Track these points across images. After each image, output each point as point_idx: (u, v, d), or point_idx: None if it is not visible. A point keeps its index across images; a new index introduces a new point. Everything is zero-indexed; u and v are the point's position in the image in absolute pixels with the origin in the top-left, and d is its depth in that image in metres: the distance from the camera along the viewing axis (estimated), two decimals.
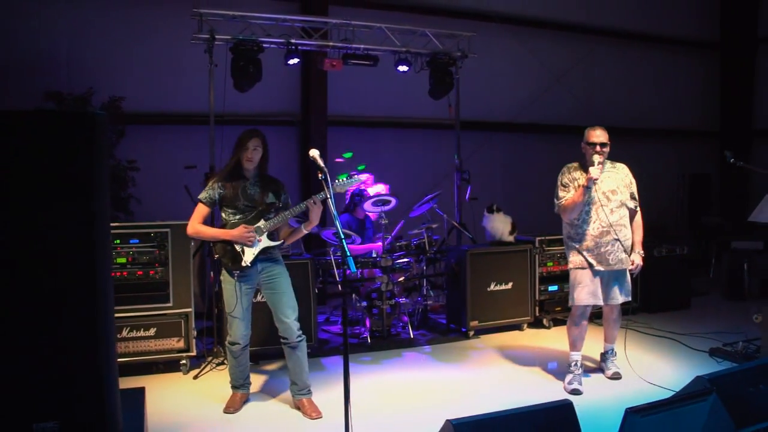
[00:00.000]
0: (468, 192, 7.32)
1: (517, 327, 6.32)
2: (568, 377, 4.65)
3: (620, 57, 10.13)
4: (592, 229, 4.57)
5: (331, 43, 6.67)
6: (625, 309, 6.55)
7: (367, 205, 6.05)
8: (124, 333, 4.85)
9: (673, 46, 10.51)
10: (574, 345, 4.71)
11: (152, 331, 4.94)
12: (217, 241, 4.07)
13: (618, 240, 4.54)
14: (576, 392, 4.47)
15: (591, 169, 4.45)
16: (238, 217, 4.06)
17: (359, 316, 6.19)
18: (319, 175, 3.56)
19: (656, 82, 10.45)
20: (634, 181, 4.76)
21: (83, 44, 6.90)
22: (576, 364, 4.67)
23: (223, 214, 4.13)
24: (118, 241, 4.86)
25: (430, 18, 8.26)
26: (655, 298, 6.92)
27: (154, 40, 7.09)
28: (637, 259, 4.64)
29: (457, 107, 7.41)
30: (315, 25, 6.68)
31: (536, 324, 6.40)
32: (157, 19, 7.12)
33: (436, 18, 8.35)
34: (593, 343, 5.16)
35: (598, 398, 4.41)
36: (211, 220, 4.63)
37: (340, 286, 6.00)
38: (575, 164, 4.76)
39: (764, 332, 4.85)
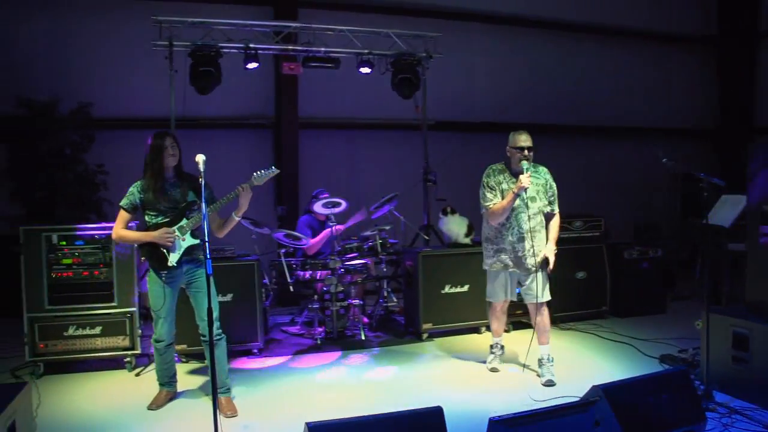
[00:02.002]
0: (435, 193, 7.47)
1: (476, 330, 6.44)
2: (489, 357, 5.25)
3: (610, 54, 10.15)
4: (511, 234, 4.81)
5: (290, 47, 6.93)
6: (595, 313, 6.76)
7: (318, 207, 6.26)
8: (71, 331, 5.18)
9: (667, 41, 10.48)
10: (496, 333, 5.27)
11: (98, 329, 5.25)
12: (142, 244, 4.29)
13: (533, 247, 4.77)
14: (494, 369, 5.15)
15: (522, 177, 4.62)
16: (160, 218, 4.26)
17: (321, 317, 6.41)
18: (200, 180, 3.77)
19: (648, 80, 10.43)
20: (554, 184, 4.93)
21: (55, 52, 7.34)
22: (496, 345, 5.26)
23: (146, 217, 4.32)
24: (64, 243, 5.19)
25: (407, 18, 8.48)
26: (626, 303, 6.96)
27: (121, 47, 7.47)
28: (549, 254, 4.79)
29: (424, 107, 7.55)
30: (277, 29, 6.94)
31: None
32: (125, 26, 7.47)
33: (416, 18, 8.57)
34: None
35: (503, 402, 4.45)
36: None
37: (291, 287, 6.24)
38: (500, 166, 4.95)
39: (702, 340, 4.85)
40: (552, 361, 4.90)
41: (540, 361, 4.92)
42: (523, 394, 4.52)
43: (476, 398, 4.58)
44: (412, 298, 6.39)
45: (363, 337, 6.19)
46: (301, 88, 8.39)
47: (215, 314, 4.31)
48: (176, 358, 4.99)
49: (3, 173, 6.74)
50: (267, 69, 8.23)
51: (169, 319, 4.39)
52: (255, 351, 5.78)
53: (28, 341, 5.12)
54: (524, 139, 4.79)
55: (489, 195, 4.84)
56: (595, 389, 3.37)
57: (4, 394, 3.08)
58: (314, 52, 6.97)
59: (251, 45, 6.68)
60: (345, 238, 6.65)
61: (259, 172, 4.30)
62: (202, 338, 4.43)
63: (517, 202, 4.72)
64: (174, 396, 4.61)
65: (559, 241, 6.54)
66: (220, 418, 4.20)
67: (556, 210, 4.94)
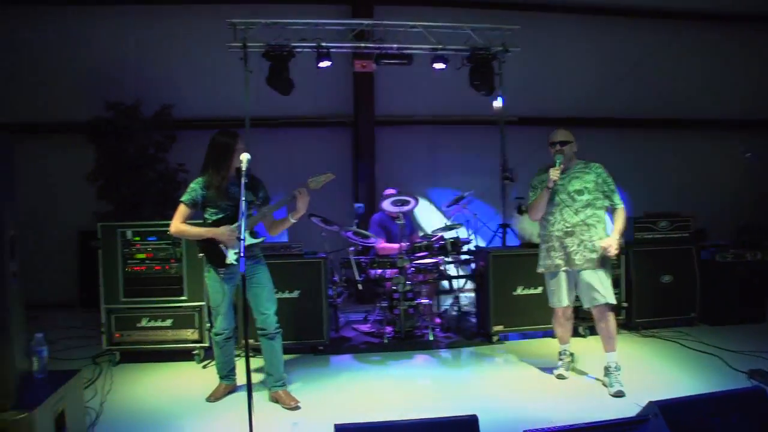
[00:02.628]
0: (513, 191, 7.26)
1: (550, 334, 6.18)
2: (558, 364, 5.03)
3: (705, 41, 9.44)
4: (557, 229, 4.73)
5: (363, 44, 6.93)
6: (682, 320, 6.31)
7: (386, 205, 6.23)
8: (144, 323, 5.44)
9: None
10: (561, 340, 5.05)
11: (168, 322, 5.47)
12: (201, 240, 4.37)
13: (583, 241, 4.62)
14: (561, 377, 4.92)
15: (551, 170, 4.62)
16: (220, 216, 4.33)
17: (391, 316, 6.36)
18: (243, 180, 3.78)
19: (752, 68, 9.60)
20: (609, 179, 4.74)
21: (139, 58, 7.78)
22: (564, 353, 5.04)
23: (206, 214, 4.40)
24: (137, 239, 5.45)
25: (484, 11, 8.30)
26: (718, 310, 6.43)
27: (200, 50, 7.80)
28: (610, 242, 4.54)
29: (502, 103, 7.36)
30: (350, 26, 6.98)
31: (573, 332, 6.22)
32: (202, 30, 7.79)
33: (493, 11, 8.37)
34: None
35: (558, 412, 4.23)
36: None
37: (360, 286, 6.24)
38: (545, 166, 4.83)
39: None
40: (619, 369, 4.58)
41: (606, 369, 4.63)
42: (584, 404, 4.28)
43: (532, 406, 4.37)
44: (483, 299, 6.22)
45: (431, 338, 6.08)
46: (380, 86, 8.42)
47: (274, 309, 4.47)
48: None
49: (92, 172, 7.18)
50: (346, 67, 8.29)
51: (228, 314, 4.47)
52: (320, 348, 5.82)
53: (105, 331, 5.42)
54: (556, 135, 4.75)
55: (530, 194, 4.90)
56: (652, 405, 3.08)
57: (56, 380, 3.23)
58: (386, 49, 6.95)
59: (323, 44, 6.76)
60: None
61: (315, 176, 4.30)
62: (259, 331, 4.48)
63: (561, 196, 4.71)
64: (233, 389, 4.70)
65: (642, 242, 6.35)
66: (278, 410, 4.33)
67: (618, 203, 4.73)
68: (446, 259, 6.45)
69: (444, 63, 7.00)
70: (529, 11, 8.64)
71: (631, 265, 6.32)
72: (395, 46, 6.94)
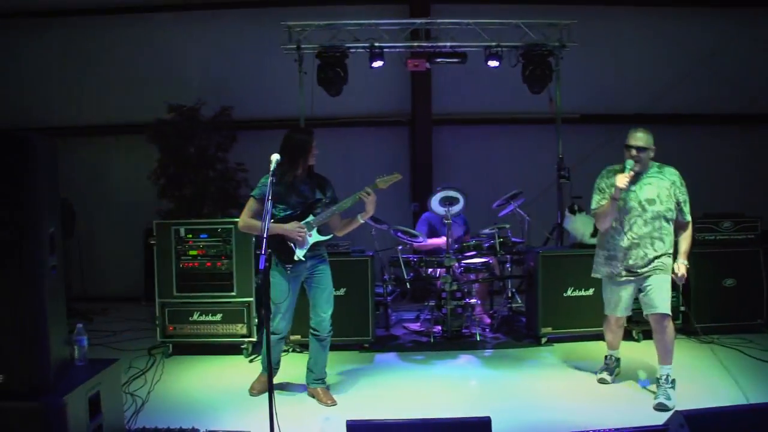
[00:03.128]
0: (570, 190, 7.11)
1: (602, 337, 6.02)
2: (601, 368, 4.95)
3: None
4: (623, 240, 4.47)
5: (416, 43, 6.97)
6: (747, 327, 6.01)
7: (434, 204, 6.24)
8: (195, 317, 5.69)
9: None
10: (610, 345, 4.99)
11: (219, 317, 5.70)
12: (269, 236, 4.48)
13: (647, 254, 4.42)
14: (603, 381, 4.82)
15: (618, 177, 4.33)
16: (289, 212, 4.42)
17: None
18: (270, 178, 3.83)
19: None
20: (683, 188, 4.48)
21: (199, 61, 8.16)
22: (610, 357, 4.97)
23: (274, 210, 4.39)
24: (190, 236, 5.70)
25: (544, 7, 8.16)
26: None
27: (257, 52, 8.08)
28: (682, 269, 4.43)
29: (558, 100, 7.24)
30: (403, 26, 7.02)
31: (625, 336, 6.03)
32: (259, 32, 8.03)
33: (552, 6, 8.23)
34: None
35: (591, 415, 4.14)
36: None
37: (407, 284, 6.29)
38: (617, 167, 4.56)
39: None
40: (672, 384, 4.36)
41: (658, 381, 4.42)
42: (621, 412, 4.19)
43: (564, 408, 4.33)
44: (532, 300, 6.15)
45: (478, 338, 6.07)
46: (438, 84, 8.43)
47: (330, 312, 4.53)
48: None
49: (154, 171, 7.57)
50: (403, 66, 8.36)
51: (287, 314, 4.53)
52: (366, 345, 5.90)
53: (159, 324, 5.71)
54: (636, 138, 4.41)
55: (597, 197, 4.60)
56: (677, 415, 2.97)
57: (94, 367, 3.46)
58: (440, 48, 6.96)
59: (376, 44, 6.83)
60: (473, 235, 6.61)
61: (383, 176, 4.42)
62: (311, 331, 4.57)
63: (632, 203, 4.42)
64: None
65: (703, 244, 6.08)
66: (314, 405, 4.45)
67: (688, 218, 4.51)
68: (499, 258, 6.40)
69: (498, 60, 6.92)
70: (592, 5, 8.41)
71: (690, 267, 6.06)
72: (448, 44, 6.94)
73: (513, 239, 6.41)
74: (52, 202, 3.26)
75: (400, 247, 6.41)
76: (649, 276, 4.42)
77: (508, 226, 6.32)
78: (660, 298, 4.38)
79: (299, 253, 4.37)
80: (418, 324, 6.74)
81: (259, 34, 7.80)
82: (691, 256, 5.90)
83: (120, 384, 3.73)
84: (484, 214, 7.15)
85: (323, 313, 4.52)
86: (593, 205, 4.62)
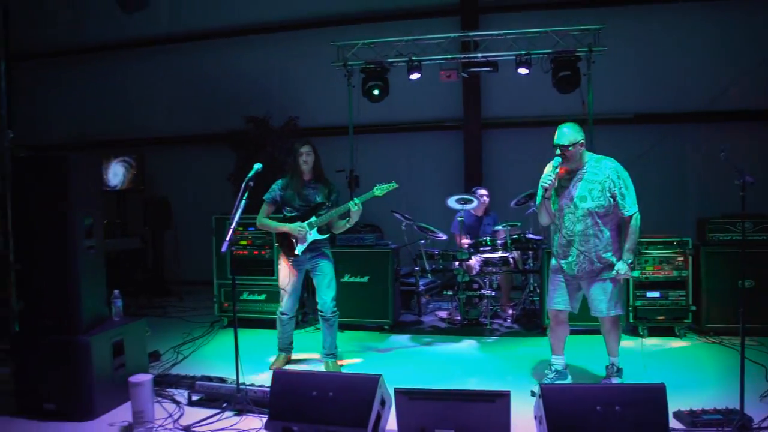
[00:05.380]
0: None
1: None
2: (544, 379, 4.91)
3: None
4: (560, 237, 4.65)
5: (449, 56, 7.86)
6: (763, 329, 6.10)
7: (451, 202, 7.13)
8: (245, 296, 7.06)
9: None
10: (553, 347, 4.93)
11: (263, 296, 7.01)
12: (278, 232, 5.50)
13: (582, 252, 4.52)
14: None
15: (543, 177, 4.51)
16: (294, 214, 5.39)
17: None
18: (249, 183, 4.66)
19: None
20: (620, 180, 4.47)
21: (267, 77, 9.83)
22: (551, 369, 4.91)
23: (284, 211, 5.44)
24: (241, 228, 7.04)
25: (595, 9, 8.65)
26: None
27: (316, 68, 9.31)
28: (622, 268, 4.46)
29: (591, 102, 7.67)
30: (438, 40, 7.90)
31: (632, 331, 6.53)
32: (317, 50, 9.17)
33: (591, 9, 8.72)
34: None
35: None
36: None
37: (429, 275, 7.25)
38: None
39: None
40: (617, 370, 4.73)
41: (607, 368, 4.79)
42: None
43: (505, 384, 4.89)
44: (542, 294, 6.81)
45: (488, 326, 6.88)
46: (489, 89, 9.20)
47: (331, 296, 5.42)
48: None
49: (232, 174, 9.09)
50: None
51: (293, 296, 5.53)
52: (385, 327, 6.93)
53: (217, 301, 7.14)
54: (558, 135, 4.51)
55: (538, 194, 4.68)
56: (538, 388, 3.69)
57: (123, 322, 4.88)
58: (471, 58, 7.80)
59: (413, 57, 7.82)
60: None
61: (382, 184, 5.26)
62: (319, 312, 5.51)
63: (564, 200, 4.57)
64: (290, 360, 5.79)
65: (717, 243, 6.41)
66: None
67: (629, 211, 4.46)
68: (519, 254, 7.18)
69: (527, 67, 7.60)
70: (642, 4, 8.75)
71: (702, 266, 6.38)
72: (479, 55, 7.75)
73: (530, 236, 7.08)
74: (88, 203, 4.63)
75: (422, 242, 7.38)
76: (595, 282, 4.56)
77: (519, 224, 7.04)
78: (603, 301, 4.57)
79: (298, 249, 5.36)
80: (446, 312, 7.65)
81: (319, 51, 8.92)
82: (705, 255, 6.36)
83: (143, 336, 5.07)
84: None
85: (325, 297, 5.42)
86: (536, 203, 4.75)
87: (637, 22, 8.82)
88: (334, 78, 8.43)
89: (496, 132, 9.27)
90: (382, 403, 3.93)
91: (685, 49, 8.83)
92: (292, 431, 3.90)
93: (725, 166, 4.09)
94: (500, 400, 3.58)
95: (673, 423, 4.04)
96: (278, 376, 4.06)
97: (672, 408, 3.89)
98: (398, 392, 3.69)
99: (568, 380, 4.95)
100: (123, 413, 4.35)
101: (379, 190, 5.27)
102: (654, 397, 3.64)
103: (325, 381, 3.99)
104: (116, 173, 9.77)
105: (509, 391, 3.57)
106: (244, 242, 7.06)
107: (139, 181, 9.77)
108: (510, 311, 7.37)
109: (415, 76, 7.87)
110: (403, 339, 6.69)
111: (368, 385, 3.88)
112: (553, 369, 4.91)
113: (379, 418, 3.88)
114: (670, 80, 8.87)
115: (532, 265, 7.31)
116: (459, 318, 7.08)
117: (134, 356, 4.86)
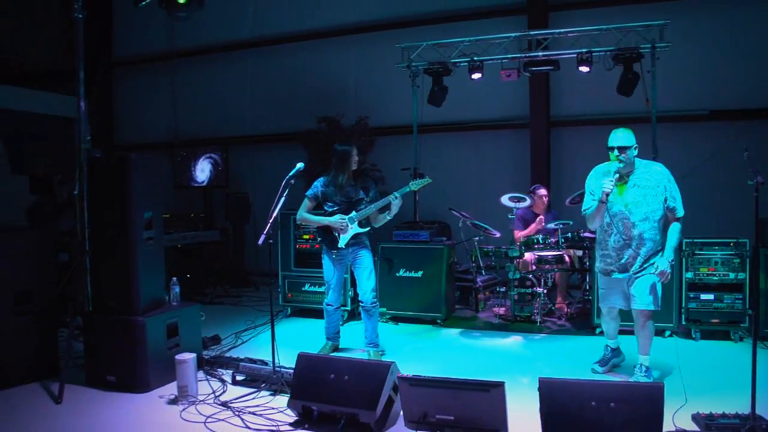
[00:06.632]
0: None
1: (660, 333, 6.37)
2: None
3: None
4: (614, 241, 4.82)
5: (510, 55, 8.00)
6: None
7: (504, 199, 7.30)
8: (306, 287, 7.55)
9: None
10: (608, 335, 5.36)
11: (323, 288, 7.42)
12: (319, 226, 5.90)
13: (639, 254, 4.72)
14: (594, 370, 5.29)
15: (605, 182, 4.61)
16: (334, 209, 5.78)
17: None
18: (290, 180, 5.22)
19: None
20: (670, 185, 4.70)
21: (338, 79, 10.33)
22: (607, 348, 5.37)
23: (325, 207, 5.86)
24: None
25: (661, 4, 8.50)
26: None
27: (385, 69, 9.63)
28: (663, 264, 4.62)
29: (654, 100, 7.59)
30: (500, 39, 8.06)
31: (686, 334, 6.45)
32: (384, 53, 9.49)
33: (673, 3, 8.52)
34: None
35: None
36: None
37: (483, 271, 7.45)
38: (606, 167, 4.84)
39: None
40: (645, 372, 4.83)
41: (634, 368, 4.94)
42: None
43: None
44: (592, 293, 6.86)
45: (538, 323, 7.01)
46: (560, 88, 9.22)
47: (371, 287, 5.74)
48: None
49: (302, 173, 9.62)
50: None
51: (337, 288, 5.92)
52: (438, 321, 7.20)
53: (281, 291, 7.67)
54: (616, 138, 4.67)
55: (586, 199, 4.93)
56: (540, 380, 3.83)
57: (179, 306, 5.47)
58: (532, 57, 7.90)
59: (475, 58, 8.04)
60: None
61: (416, 180, 5.69)
62: (360, 303, 5.88)
63: (619, 206, 4.74)
64: (337, 348, 6.15)
65: None
66: None
67: (680, 213, 4.71)
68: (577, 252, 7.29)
69: (588, 66, 7.62)
70: None
71: (761, 269, 6.21)
72: (540, 54, 7.85)
73: (585, 234, 7.11)
74: (148, 199, 5.24)
75: (477, 238, 7.59)
76: (639, 275, 4.76)
77: (571, 222, 7.10)
78: (642, 295, 4.73)
79: (342, 241, 5.69)
80: (503, 309, 7.81)
81: (388, 52, 9.25)
82: (764, 257, 6.18)
83: (198, 320, 5.65)
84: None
85: (365, 288, 5.73)
86: (583, 207, 4.94)
87: (714, 15, 8.55)
88: (402, 78, 8.77)
89: (565, 130, 9.26)
90: (395, 388, 4.24)
91: (757, 42, 8.47)
92: (311, 410, 4.29)
93: None
94: (495, 390, 3.78)
95: (691, 425, 4.13)
96: (301, 359, 4.47)
97: (703, 411, 4.15)
98: (401, 379, 4.00)
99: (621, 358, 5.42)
100: (174, 388, 4.87)
101: (414, 185, 5.64)
102: (651, 396, 3.71)
103: (342, 365, 4.35)
104: (203, 170, 10.62)
105: (503, 382, 3.76)
106: (306, 236, 7.55)
107: (223, 177, 10.55)
108: (565, 309, 7.44)
109: (476, 75, 8.07)
110: (452, 333, 6.93)
111: (380, 371, 4.21)
112: (609, 349, 5.38)
113: (391, 401, 4.20)
114: (747, 76, 8.50)
115: (588, 263, 7.34)
116: (510, 315, 7.24)
117: (188, 338, 5.43)
